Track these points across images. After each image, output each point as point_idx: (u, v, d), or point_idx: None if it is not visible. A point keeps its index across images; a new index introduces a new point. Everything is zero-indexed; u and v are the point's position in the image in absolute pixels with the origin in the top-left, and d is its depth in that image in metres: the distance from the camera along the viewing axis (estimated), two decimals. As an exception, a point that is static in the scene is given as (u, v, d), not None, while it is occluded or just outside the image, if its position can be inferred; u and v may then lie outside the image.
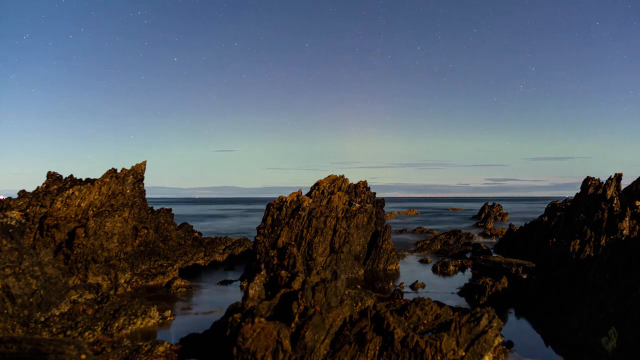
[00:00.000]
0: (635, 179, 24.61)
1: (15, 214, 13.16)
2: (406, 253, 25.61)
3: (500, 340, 9.85)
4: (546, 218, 30.17)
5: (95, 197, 19.20)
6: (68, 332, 10.56)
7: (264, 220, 20.75)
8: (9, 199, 18.64)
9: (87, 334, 10.59)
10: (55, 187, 19.41)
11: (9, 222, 12.59)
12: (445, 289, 16.20)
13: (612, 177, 25.34)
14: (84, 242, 17.56)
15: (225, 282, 17.79)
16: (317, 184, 22.11)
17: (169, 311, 12.72)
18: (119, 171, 20.60)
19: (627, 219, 16.30)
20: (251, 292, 9.34)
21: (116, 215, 18.83)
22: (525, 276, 16.22)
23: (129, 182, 20.43)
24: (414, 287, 16.63)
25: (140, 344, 9.75)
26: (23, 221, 13.37)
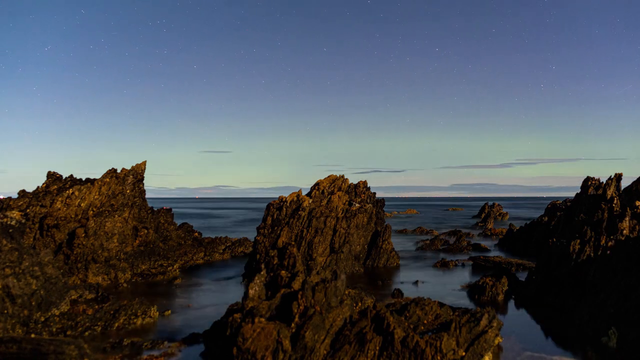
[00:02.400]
0: (635, 179, 24.63)
1: (15, 214, 13.16)
2: (406, 253, 25.60)
3: (500, 340, 9.85)
4: (546, 218, 30.17)
5: (95, 197, 19.20)
6: (68, 332, 10.56)
7: (264, 220, 20.75)
8: (9, 199, 18.64)
9: (87, 334, 10.59)
10: (55, 187, 19.41)
11: (9, 222, 12.59)
12: (445, 288, 16.20)
13: (612, 177, 25.35)
14: (84, 242, 17.55)
15: (225, 282, 17.79)
16: (317, 184, 22.10)
17: (169, 311, 12.72)
18: (119, 171, 20.59)
19: (627, 219, 16.29)
20: (251, 292, 9.34)
21: (116, 215, 18.83)
22: (525, 276, 16.22)
23: (129, 182, 20.43)
24: (413, 286, 16.62)
25: (141, 343, 9.75)
26: (23, 221, 13.38)
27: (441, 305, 11.41)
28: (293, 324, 8.36)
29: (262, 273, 9.83)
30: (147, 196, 21.62)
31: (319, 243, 19.31)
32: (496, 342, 9.31)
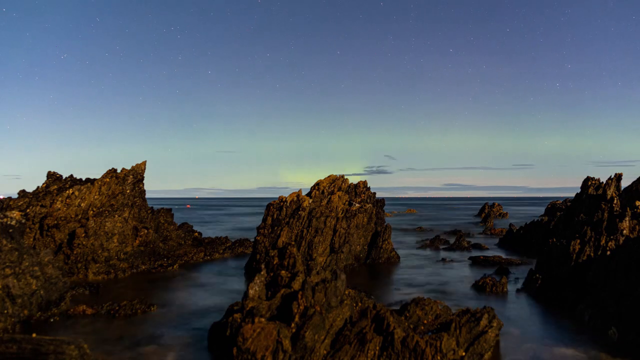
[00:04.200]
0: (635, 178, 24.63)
1: (15, 214, 13.16)
2: (406, 252, 25.60)
3: (498, 339, 9.85)
4: (546, 218, 30.18)
5: (95, 197, 19.20)
6: (68, 332, 10.56)
7: (264, 220, 20.75)
8: (9, 199, 18.64)
9: (87, 333, 10.59)
10: (55, 187, 19.41)
11: (9, 222, 12.59)
12: (445, 288, 16.20)
13: (612, 177, 25.35)
14: (84, 242, 17.56)
15: (225, 282, 17.79)
16: (317, 184, 22.10)
17: (169, 310, 12.72)
18: (119, 171, 20.60)
19: (627, 219, 16.30)
20: (251, 292, 9.35)
21: (116, 215, 18.83)
22: (525, 276, 16.23)
23: (129, 182, 20.43)
24: (413, 286, 16.62)
25: (141, 342, 9.75)
26: (23, 221, 13.38)
27: (441, 305, 11.42)
28: (293, 324, 8.36)
29: (262, 273, 9.84)
30: (147, 196, 21.64)
31: (319, 243, 19.31)
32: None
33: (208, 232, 34.57)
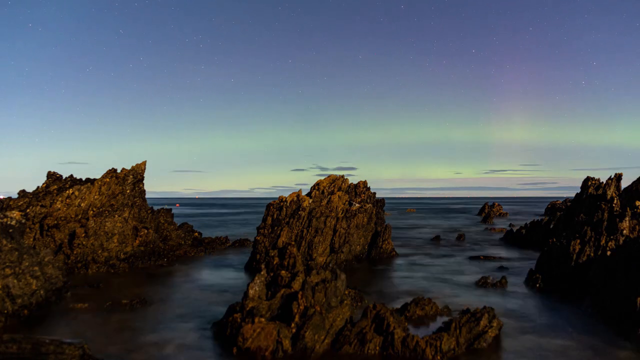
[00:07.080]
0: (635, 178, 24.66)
1: (15, 214, 13.17)
2: (406, 252, 25.60)
3: (498, 339, 9.84)
4: (546, 218, 30.19)
5: (95, 197, 19.21)
6: (68, 332, 10.55)
7: (264, 220, 20.75)
8: (9, 199, 18.64)
9: (87, 333, 10.59)
10: (55, 187, 19.42)
11: (9, 222, 12.60)
12: (445, 287, 16.20)
13: (612, 177, 25.37)
14: (84, 242, 17.56)
15: (225, 282, 17.79)
16: (317, 184, 22.10)
17: (168, 309, 12.71)
18: (119, 171, 20.60)
19: (627, 219, 16.30)
20: (251, 292, 9.35)
21: (116, 215, 18.83)
22: (525, 275, 16.24)
23: (129, 182, 20.44)
24: (414, 286, 16.62)
25: (140, 341, 9.74)
26: (23, 221, 13.38)
27: (441, 304, 11.43)
28: (293, 324, 8.36)
29: (262, 273, 9.84)
30: (147, 196, 21.65)
31: (319, 243, 19.31)
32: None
33: (208, 232, 34.57)
